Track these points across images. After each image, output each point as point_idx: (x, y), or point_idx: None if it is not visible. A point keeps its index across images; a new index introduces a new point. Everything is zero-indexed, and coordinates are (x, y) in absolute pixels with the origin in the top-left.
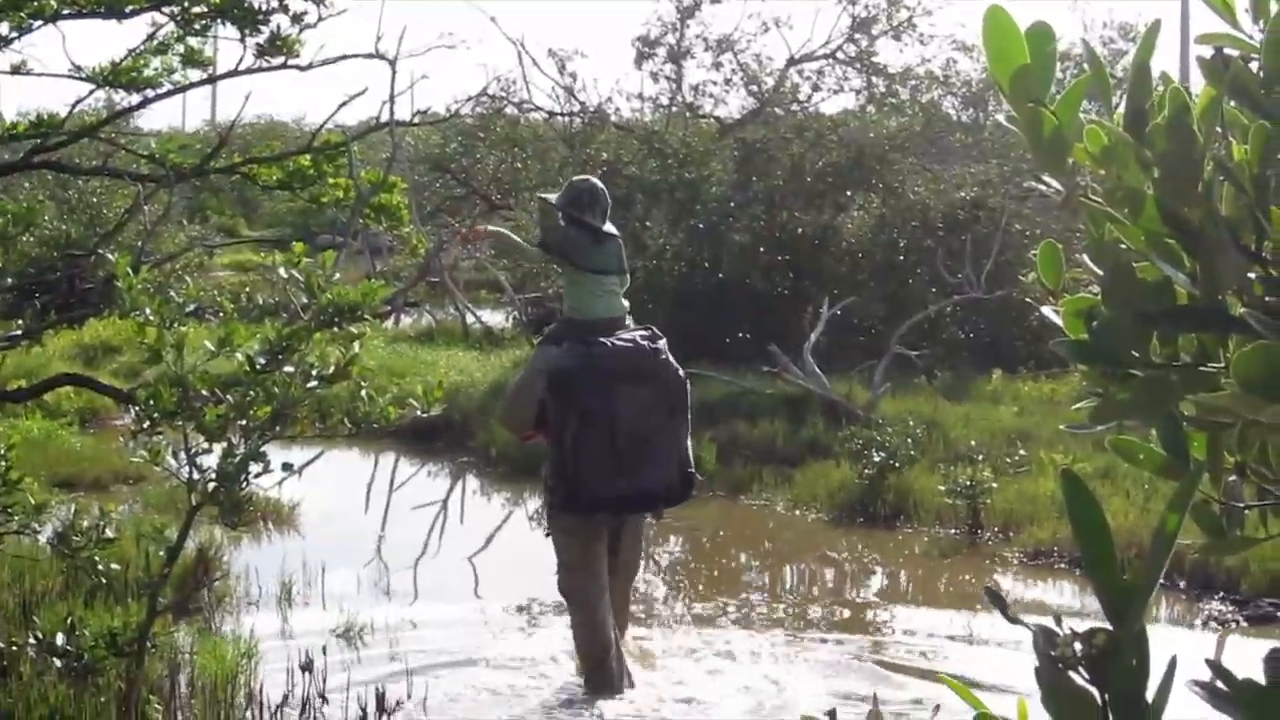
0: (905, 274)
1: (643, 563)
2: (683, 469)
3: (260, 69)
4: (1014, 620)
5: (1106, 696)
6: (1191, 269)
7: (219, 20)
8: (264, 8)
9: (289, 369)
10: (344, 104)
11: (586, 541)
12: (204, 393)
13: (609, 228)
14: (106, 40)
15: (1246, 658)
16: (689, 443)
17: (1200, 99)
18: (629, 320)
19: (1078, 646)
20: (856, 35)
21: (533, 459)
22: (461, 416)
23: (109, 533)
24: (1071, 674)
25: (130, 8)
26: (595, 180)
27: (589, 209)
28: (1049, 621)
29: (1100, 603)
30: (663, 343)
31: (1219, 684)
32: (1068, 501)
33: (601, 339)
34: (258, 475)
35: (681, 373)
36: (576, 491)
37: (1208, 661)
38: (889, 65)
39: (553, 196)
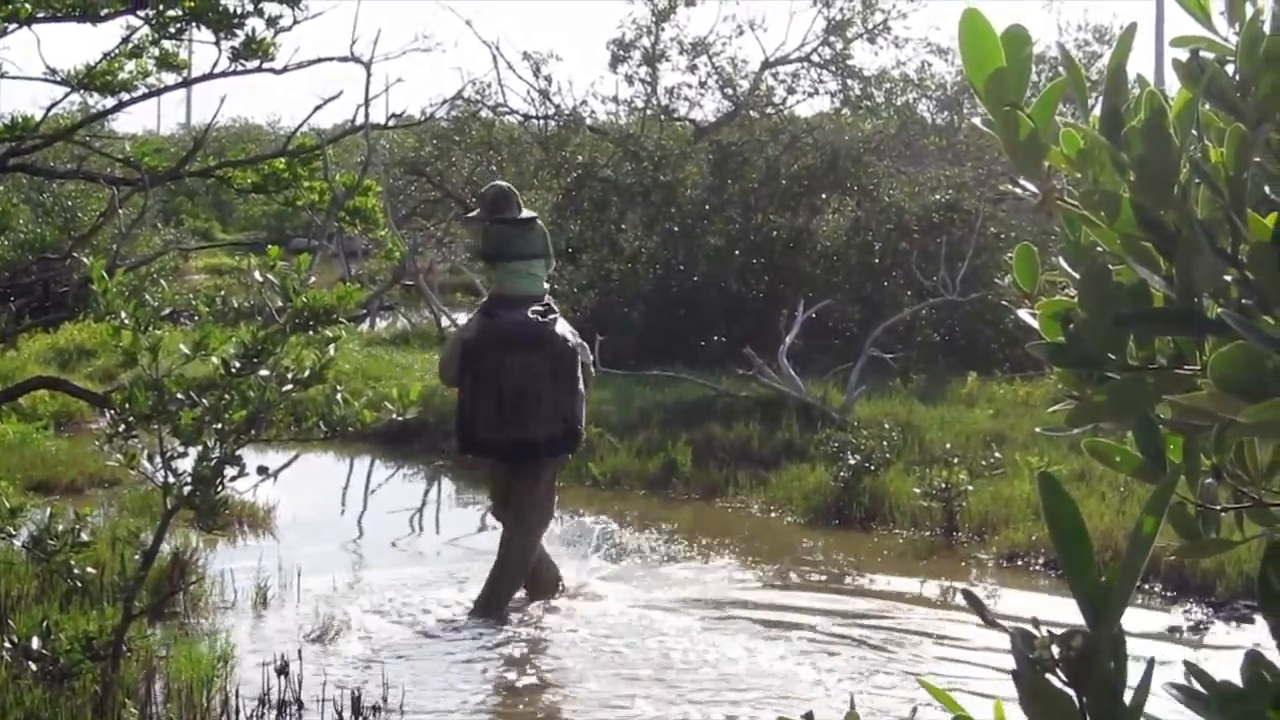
0: (880, 277)
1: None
2: (567, 424)
3: (235, 72)
4: (992, 622)
5: (1084, 699)
6: (1167, 271)
7: (194, 24)
8: (239, 11)
9: (264, 372)
10: (319, 107)
11: (502, 481)
12: (179, 396)
13: (527, 213)
14: (81, 44)
15: (1222, 661)
16: (579, 403)
17: (1176, 101)
18: (548, 298)
19: (1055, 649)
20: (831, 38)
21: None
22: (436, 419)
23: (84, 536)
24: (1049, 676)
25: (105, 11)
26: (499, 183)
27: (504, 208)
28: (1026, 624)
29: (1078, 604)
30: (553, 317)
31: (1196, 686)
32: (1045, 503)
33: (500, 312)
34: (233, 479)
35: (571, 342)
36: (470, 436)
37: (1186, 664)
38: (864, 68)
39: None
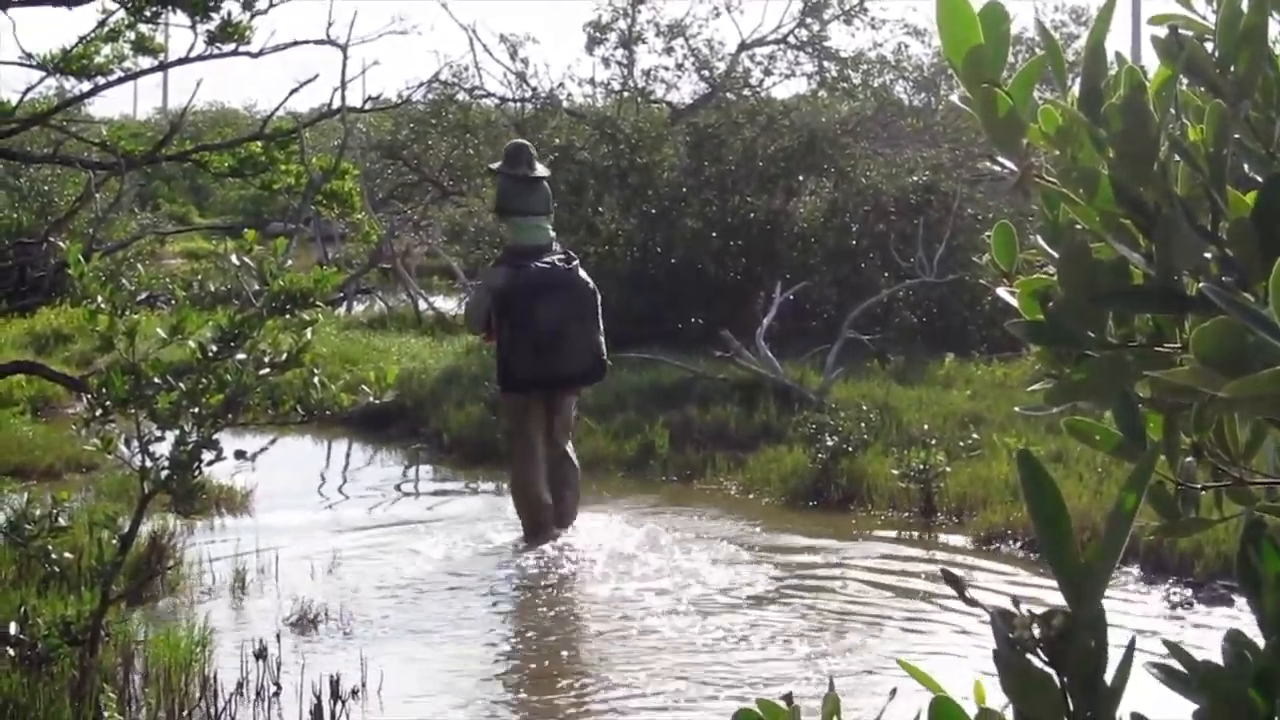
0: (858, 258)
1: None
2: (596, 357)
3: (211, 55)
4: (971, 602)
5: (1065, 679)
6: (1147, 249)
7: (170, 7)
8: None
9: (241, 356)
10: (295, 90)
11: (523, 413)
12: (156, 380)
13: (540, 170)
14: (58, 27)
15: (1202, 641)
16: (601, 339)
17: (1155, 78)
18: (555, 245)
19: (1036, 629)
20: (808, 20)
21: (485, 445)
22: (414, 402)
23: (62, 521)
24: (1030, 656)
25: None
26: (521, 140)
27: (517, 162)
28: (1005, 603)
29: (1058, 584)
30: (576, 263)
31: (1178, 666)
32: (1024, 483)
33: (529, 262)
34: (210, 463)
35: (591, 285)
36: (512, 374)
37: (1166, 643)
38: (841, 50)
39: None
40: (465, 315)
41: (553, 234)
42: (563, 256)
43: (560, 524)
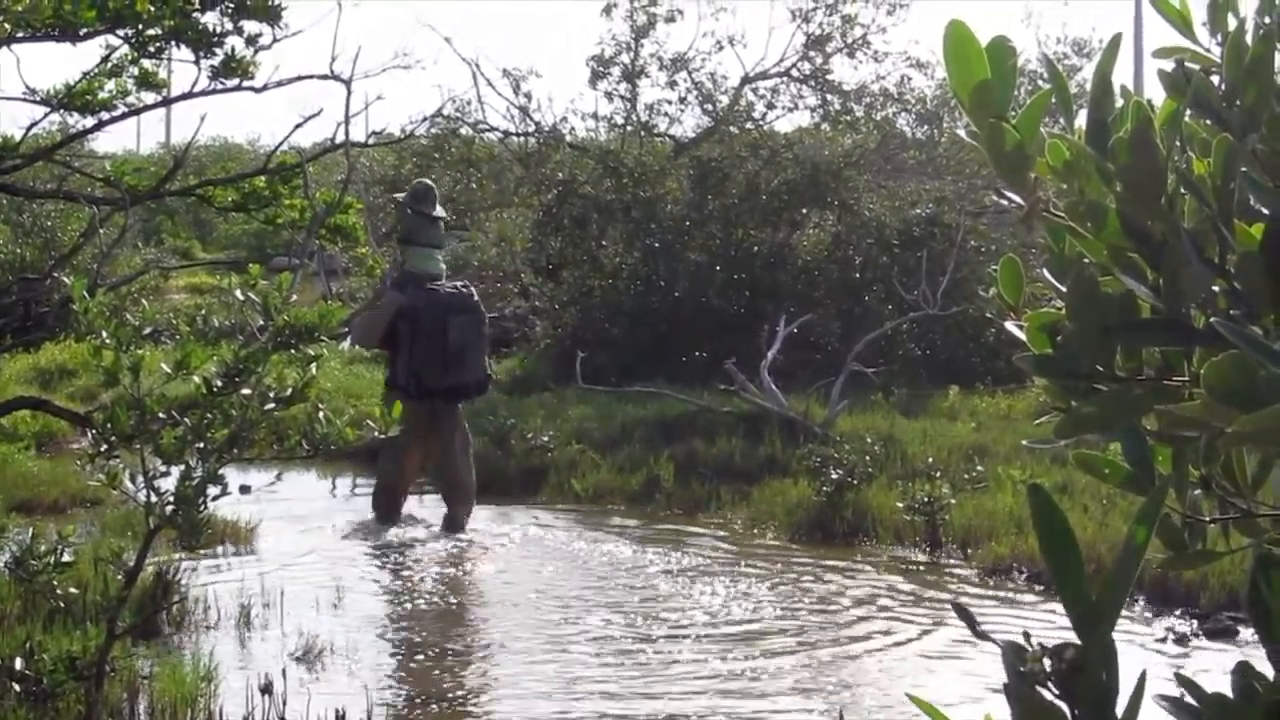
0: (861, 291)
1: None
2: (484, 373)
3: (215, 91)
4: (983, 635)
5: (1076, 711)
6: (1155, 282)
7: (173, 42)
8: (218, 30)
9: (246, 391)
10: (299, 125)
11: (413, 420)
12: (161, 415)
13: (439, 211)
14: (61, 63)
15: (1208, 673)
16: (487, 358)
17: (1161, 112)
18: (444, 276)
19: (1047, 662)
20: (811, 53)
21: (489, 476)
22: None
23: (67, 556)
24: (1041, 689)
25: (84, 30)
26: (427, 181)
27: (424, 202)
28: (1016, 637)
29: (1069, 617)
30: (472, 289)
31: (1187, 698)
32: (1035, 516)
33: (434, 286)
34: (216, 498)
35: (484, 310)
36: (418, 384)
37: (1176, 675)
38: (843, 82)
39: (401, 196)
40: (362, 327)
41: (444, 266)
42: (464, 284)
43: (453, 528)
